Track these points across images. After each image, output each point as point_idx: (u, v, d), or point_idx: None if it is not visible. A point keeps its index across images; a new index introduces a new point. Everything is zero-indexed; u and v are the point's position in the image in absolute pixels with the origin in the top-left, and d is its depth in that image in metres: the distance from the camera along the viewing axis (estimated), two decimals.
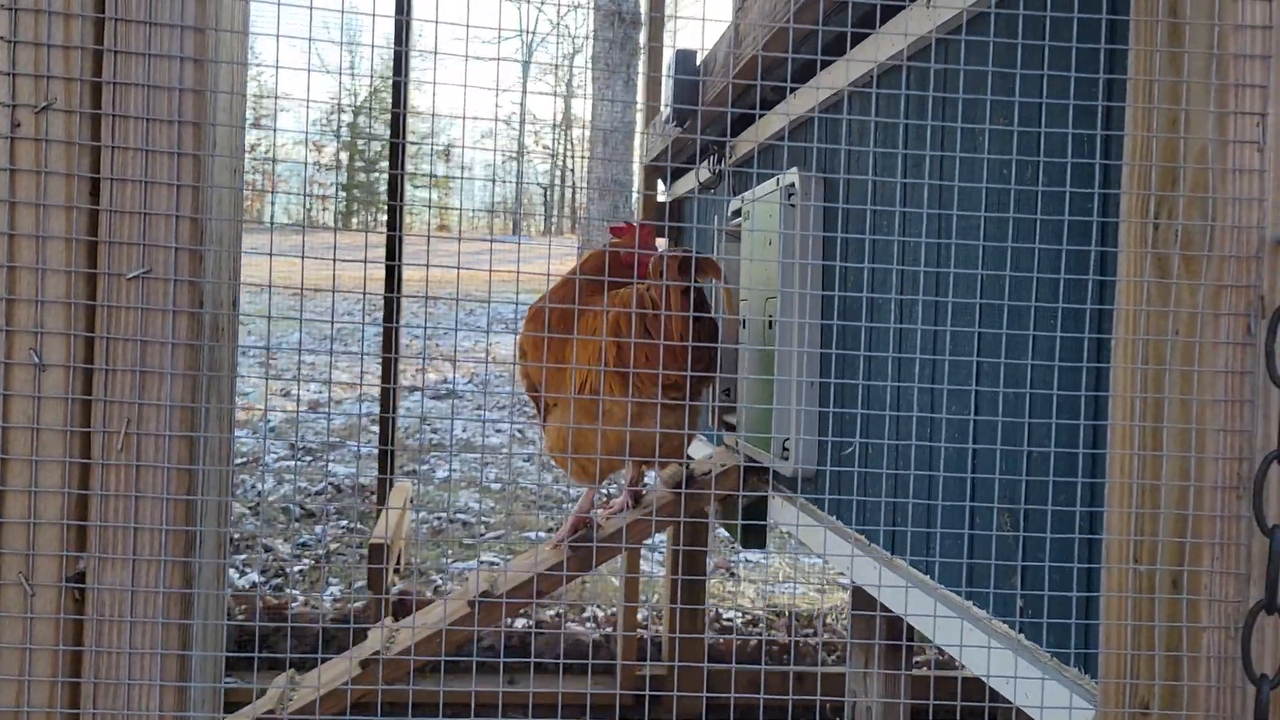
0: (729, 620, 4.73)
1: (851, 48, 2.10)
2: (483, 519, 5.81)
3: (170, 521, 0.84)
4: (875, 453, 2.12)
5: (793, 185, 2.57)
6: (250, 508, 5.65)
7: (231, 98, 0.92)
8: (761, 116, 3.06)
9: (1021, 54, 1.42)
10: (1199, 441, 0.96)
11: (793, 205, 2.60)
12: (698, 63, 3.39)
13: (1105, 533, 1.04)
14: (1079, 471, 1.29)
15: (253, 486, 5.99)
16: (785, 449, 2.58)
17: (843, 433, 2.22)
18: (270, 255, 0.92)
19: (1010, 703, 1.38)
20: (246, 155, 1.14)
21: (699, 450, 3.45)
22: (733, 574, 5.44)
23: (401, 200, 4.70)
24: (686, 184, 4.15)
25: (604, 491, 2.83)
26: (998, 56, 1.53)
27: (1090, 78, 1.23)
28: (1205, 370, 0.96)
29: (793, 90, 2.64)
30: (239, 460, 6.42)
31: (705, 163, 3.63)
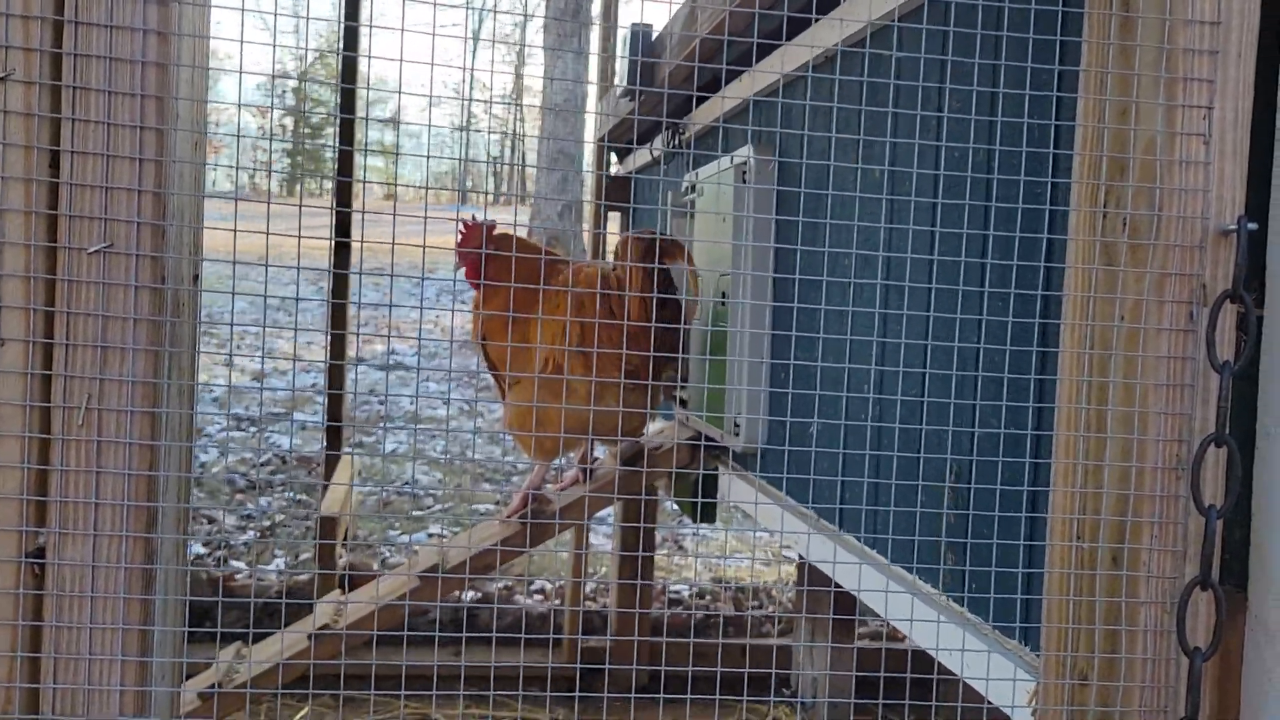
0: (676, 593, 4.78)
1: (799, 32, 2.12)
2: (430, 491, 5.79)
3: (132, 497, 0.83)
4: (828, 431, 2.16)
5: (745, 163, 2.59)
6: (195, 480, 5.57)
7: (193, 71, 0.91)
8: (706, 100, 3.07)
9: (979, 42, 1.44)
10: (1141, 424, 1.00)
11: (745, 183, 2.62)
12: (654, 38, 3.38)
13: (1049, 511, 1.08)
14: (1025, 452, 1.33)
15: (195, 458, 5.91)
16: (736, 425, 2.61)
17: (795, 411, 2.25)
18: (237, 227, 0.91)
19: (956, 675, 1.43)
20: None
21: (651, 425, 3.48)
22: (681, 547, 5.49)
23: (351, 176, 4.65)
24: (638, 160, 4.15)
25: (554, 467, 2.84)
26: (949, 44, 1.55)
27: (1045, 69, 1.26)
28: (1149, 355, 1.00)
29: (744, 72, 2.65)
30: None
31: (660, 139, 3.63)
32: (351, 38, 4.83)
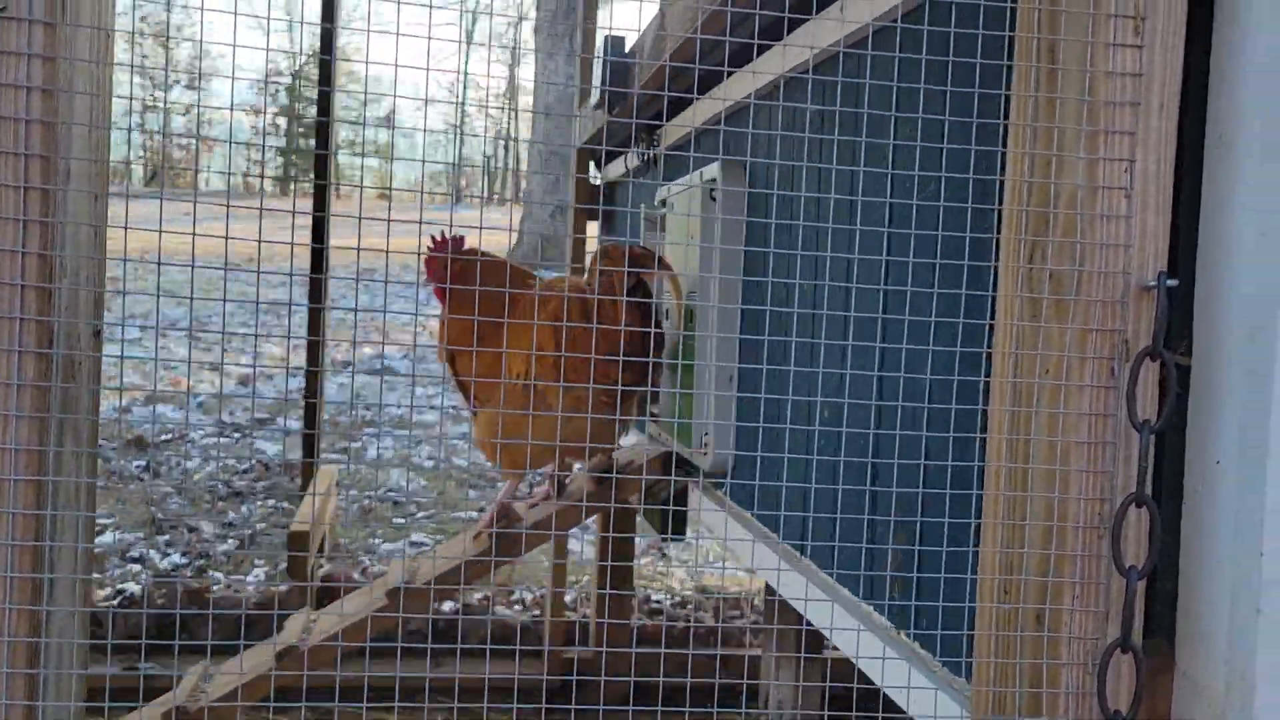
0: (658, 603, 4.76)
1: (758, 55, 2.10)
2: (414, 499, 5.77)
3: (15, 568, 0.81)
4: (791, 460, 2.14)
5: (714, 180, 2.57)
6: (175, 487, 5.55)
7: (91, 130, 0.89)
8: (669, 121, 3.05)
9: (925, 69, 1.42)
10: (1063, 482, 0.98)
11: (714, 199, 2.59)
12: (627, 49, 3.36)
13: (979, 571, 1.06)
14: (973, 484, 1.31)
15: (178, 464, 5.89)
16: (705, 443, 2.59)
17: (759, 436, 2.23)
18: (207, 231, 0.89)
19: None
20: (181, 117, 1.12)
21: (624, 438, 3.46)
22: (664, 555, 5.48)
23: (328, 179, 4.62)
24: (619, 168, 4.12)
25: (526, 480, 2.82)
26: (903, 71, 1.53)
27: (993, 93, 1.24)
28: (1071, 413, 0.98)
29: (708, 92, 2.63)
30: (165, 437, 6.30)
31: (636, 149, 3.61)
32: (328, 39, 4.81)
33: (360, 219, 1.08)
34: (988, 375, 1.24)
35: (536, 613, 4.51)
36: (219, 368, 6.76)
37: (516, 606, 4.62)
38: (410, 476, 6.10)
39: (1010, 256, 1.02)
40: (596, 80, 3.42)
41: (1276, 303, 0.94)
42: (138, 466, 5.78)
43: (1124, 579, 0.96)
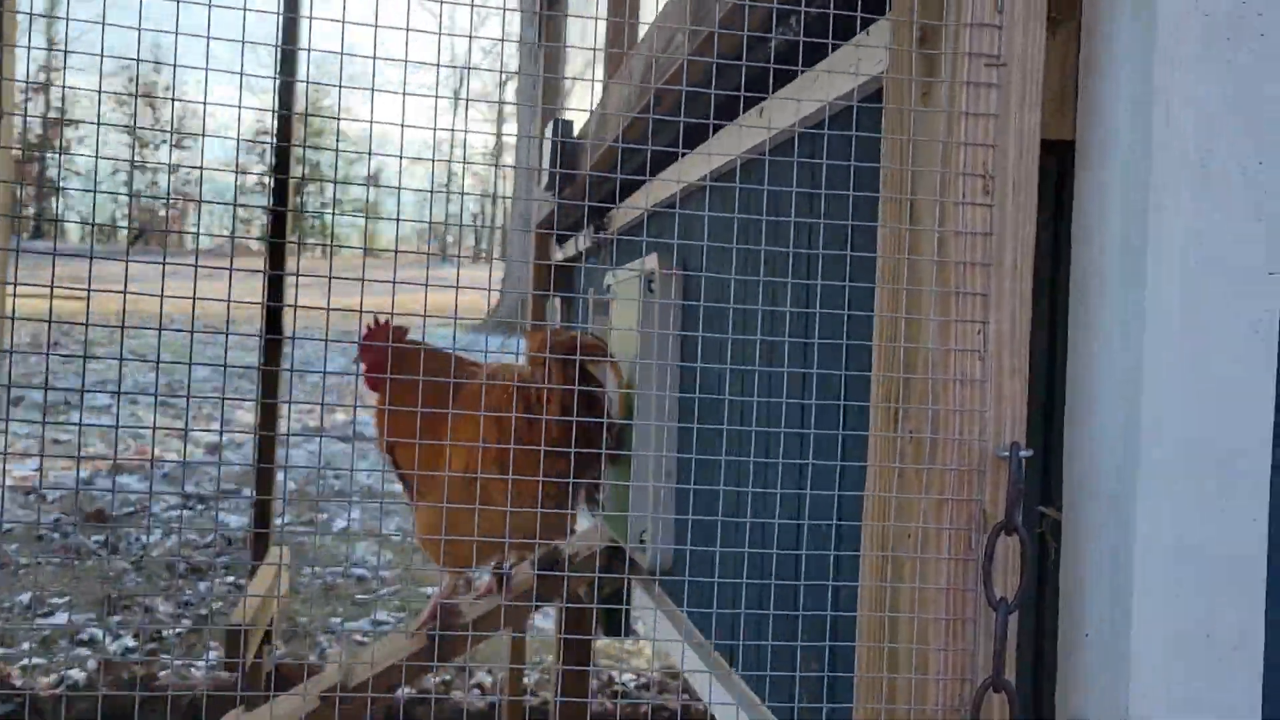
0: (622, 685, 4.65)
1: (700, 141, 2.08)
2: (379, 573, 5.67)
3: None
4: (724, 558, 2.08)
5: (652, 272, 2.54)
6: (133, 562, 5.44)
7: None
8: (618, 204, 3.03)
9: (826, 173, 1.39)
10: (921, 663, 0.93)
11: (652, 290, 2.57)
12: (575, 133, 3.35)
13: None
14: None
15: (137, 539, 5.78)
16: (642, 540, 2.54)
17: (695, 535, 2.18)
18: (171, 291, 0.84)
19: None
20: (169, 175, 1.10)
21: (572, 528, 3.39)
22: (632, 631, 5.37)
23: (284, 237, 4.59)
24: (574, 248, 4.11)
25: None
26: (810, 177, 1.50)
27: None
28: (929, 587, 0.93)
29: (649, 180, 2.61)
30: (127, 510, 6.20)
31: (587, 231, 3.59)
32: (286, 94, 4.81)
33: (330, 278, 1.04)
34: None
35: (495, 698, 4.40)
36: (187, 434, 6.68)
37: (474, 691, 4.51)
38: (378, 550, 6.00)
39: (879, 424, 0.98)
40: (546, 162, 3.41)
41: (1135, 476, 0.90)
42: (96, 542, 5.68)
43: None
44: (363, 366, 2.50)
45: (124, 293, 0.96)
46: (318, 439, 1.23)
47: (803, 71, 1.41)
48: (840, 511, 1.34)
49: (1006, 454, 0.91)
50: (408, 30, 0.97)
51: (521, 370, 2.44)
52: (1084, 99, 0.98)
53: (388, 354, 2.42)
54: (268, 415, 5.07)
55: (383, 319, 2.52)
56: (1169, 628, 0.89)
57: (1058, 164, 1.02)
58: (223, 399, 1.06)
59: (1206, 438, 0.90)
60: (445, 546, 2.40)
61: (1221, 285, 0.91)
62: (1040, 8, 0.94)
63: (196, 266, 1.00)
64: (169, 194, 1.17)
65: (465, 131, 1.14)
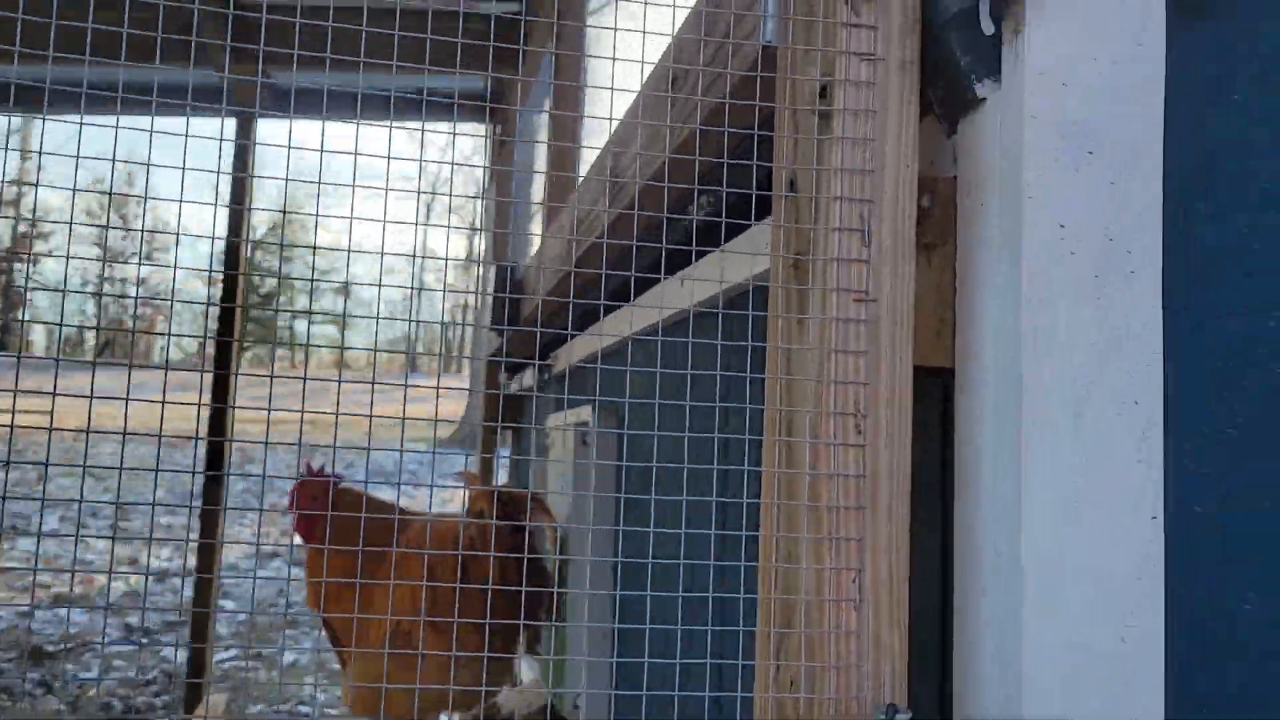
0: None
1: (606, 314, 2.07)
2: (326, 710, 5.45)
3: None
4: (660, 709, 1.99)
5: (586, 424, 2.51)
6: (70, 703, 5.21)
7: None
8: (560, 348, 3.01)
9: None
10: None
11: (585, 444, 2.53)
12: (519, 275, 3.35)
13: None
14: None
15: (74, 677, 5.55)
16: (576, 705, 2.44)
17: (631, 686, 2.09)
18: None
19: None
20: (136, 288, 1.07)
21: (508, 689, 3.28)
22: None
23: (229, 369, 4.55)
24: (524, 379, 4.08)
25: None
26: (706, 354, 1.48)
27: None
28: None
29: (582, 329, 2.59)
30: (66, 645, 5.97)
31: (533, 369, 3.57)
32: (237, 221, 4.84)
33: (306, 382, 0.98)
34: None
35: None
36: (135, 560, 6.48)
37: None
38: (324, 685, 5.78)
39: (760, 683, 0.93)
40: (493, 303, 3.41)
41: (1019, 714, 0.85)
42: (33, 681, 5.44)
43: None
44: (294, 519, 2.44)
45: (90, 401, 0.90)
46: (276, 562, 1.17)
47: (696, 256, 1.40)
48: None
49: (881, 717, 0.86)
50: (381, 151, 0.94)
51: (452, 526, 2.38)
52: (959, 331, 0.96)
53: (323, 503, 2.37)
54: (205, 553, 4.94)
55: (316, 465, 2.46)
56: None
57: (944, 386, 1.00)
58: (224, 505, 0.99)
59: (1086, 703, 0.85)
60: (371, 704, 2.31)
61: (1098, 527, 0.88)
62: (909, 241, 0.92)
63: (164, 399, 0.94)
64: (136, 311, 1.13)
65: (446, 260, 1.10)
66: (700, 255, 1.56)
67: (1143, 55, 0.91)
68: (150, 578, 6.95)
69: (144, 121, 0.92)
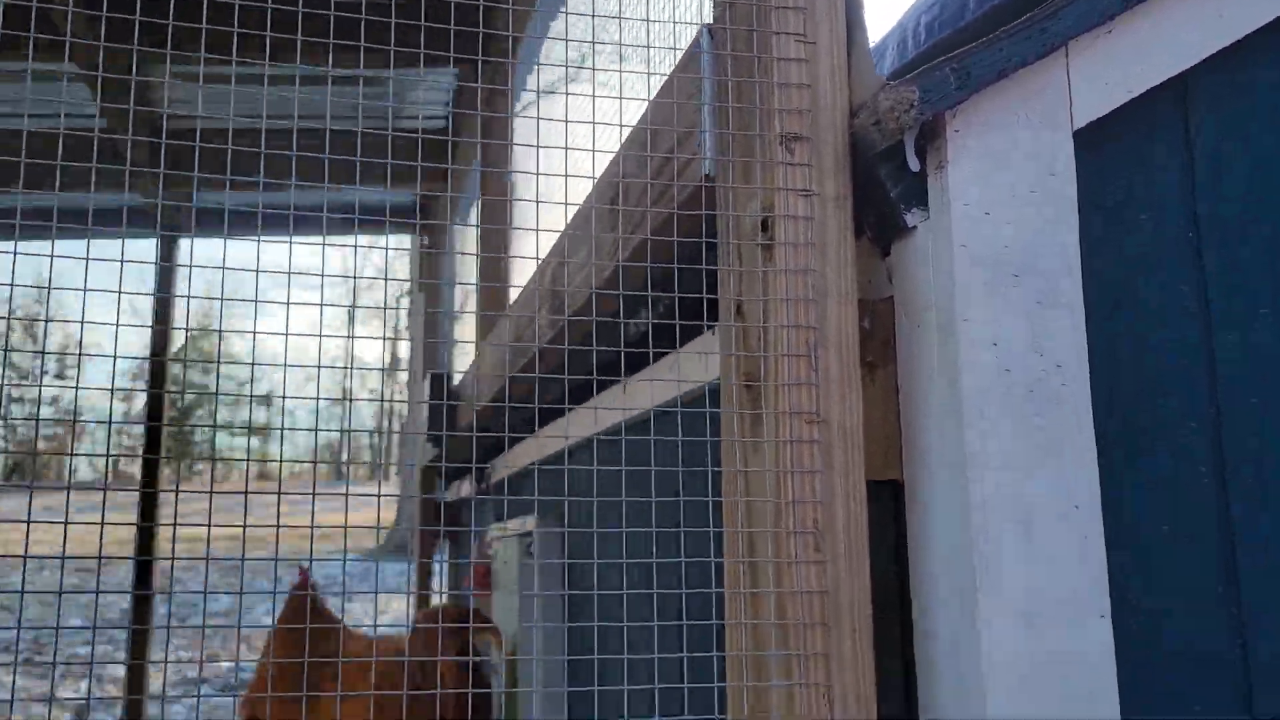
0: None
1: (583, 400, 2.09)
2: None
3: None
4: None
5: (530, 534, 2.50)
6: None
7: None
8: (498, 456, 3.01)
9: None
10: None
11: (530, 554, 2.52)
12: (454, 385, 3.36)
13: None
14: None
15: None
16: None
17: None
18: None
19: None
20: (47, 407, 1.03)
21: None
22: None
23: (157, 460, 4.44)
24: (462, 488, 4.05)
25: None
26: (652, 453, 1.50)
27: None
28: None
29: (521, 439, 2.61)
30: None
31: (470, 479, 3.55)
32: (162, 341, 4.76)
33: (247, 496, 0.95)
34: None
35: None
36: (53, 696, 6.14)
37: None
38: None
39: None
40: (425, 414, 3.40)
41: None
42: None
43: None
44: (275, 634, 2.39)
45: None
46: (195, 695, 1.14)
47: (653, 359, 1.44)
48: None
49: None
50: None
51: (398, 644, 2.35)
52: (906, 446, 1.01)
53: (302, 616, 2.34)
54: (136, 675, 4.76)
55: (305, 571, 2.44)
56: None
57: (894, 497, 1.04)
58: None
59: None
60: None
61: (1051, 632, 0.92)
62: (853, 365, 0.97)
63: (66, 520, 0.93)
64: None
65: (360, 362, 1.11)
66: (657, 357, 1.61)
67: (1055, 185, 0.99)
68: (68, 714, 6.61)
69: (59, 245, 0.93)
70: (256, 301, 0.96)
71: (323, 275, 1.04)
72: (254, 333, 0.96)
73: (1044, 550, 0.93)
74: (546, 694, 2.35)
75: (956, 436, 0.94)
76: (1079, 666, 0.92)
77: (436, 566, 4.51)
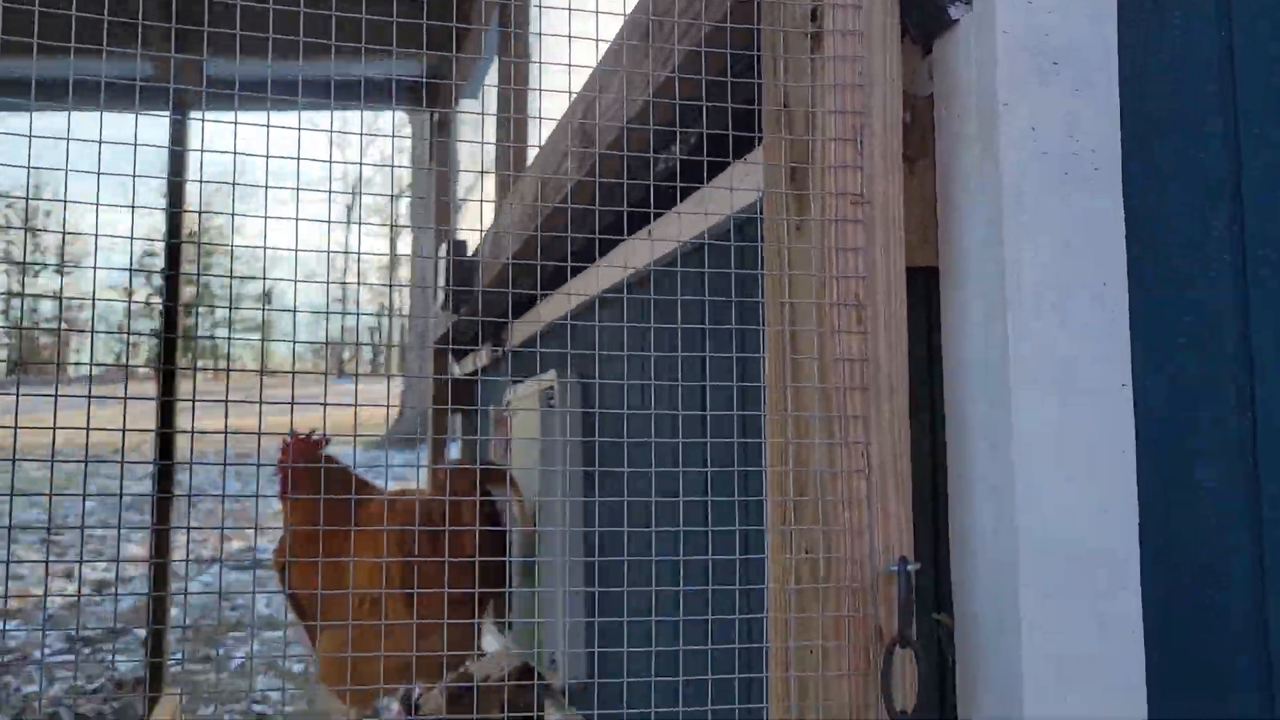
0: None
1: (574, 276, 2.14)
2: (282, 708, 5.42)
3: None
4: (639, 661, 2.06)
5: (551, 388, 2.57)
6: (14, 716, 5.10)
7: None
8: (514, 319, 3.07)
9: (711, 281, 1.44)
10: None
11: (551, 406, 2.59)
12: (469, 252, 3.40)
13: None
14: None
15: (17, 690, 5.43)
16: (553, 660, 2.50)
17: (613, 643, 2.16)
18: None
19: None
20: (50, 300, 1.07)
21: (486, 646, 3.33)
22: None
23: (174, 362, 4.51)
24: (472, 363, 4.12)
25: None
26: (707, 285, 1.56)
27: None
28: (833, 703, 0.95)
29: (544, 296, 2.66)
30: (6, 657, 5.82)
31: (485, 347, 3.61)
32: (175, 225, 4.78)
33: (227, 401, 1.01)
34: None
35: None
36: (72, 571, 6.34)
37: None
38: (275, 685, 5.74)
39: (775, 547, 1.01)
40: (441, 281, 3.44)
41: (1014, 585, 0.95)
42: None
43: None
44: (280, 486, 2.46)
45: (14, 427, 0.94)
46: (213, 569, 1.21)
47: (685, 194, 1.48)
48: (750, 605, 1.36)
49: (895, 569, 0.95)
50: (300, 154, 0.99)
51: (422, 494, 2.44)
52: (943, 231, 1.06)
53: (304, 473, 2.40)
54: (161, 547, 4.90)
55: (301, 434, 2.50)
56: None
57: (925, 285, 1.10)
58: (119, 529, 1.03)
59: (1077, 543, 0.95)
60: (350, 677, 2.34)
61: (1080, 402, 0.98)
62: (897, 151, 1.02)
63: (89, 397, 0.98)
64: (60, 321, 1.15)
65: (359, 252, 1.15)
66: (685, 194, 1.64)
67: None
68: (88, 588, 6.81)
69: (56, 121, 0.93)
70: (266, 186, 0.97)
71: (330, 158, 1.06)
72: (264, 217, 0.98)
73: (1075, 322, 0.99)
74: (568, 533, 2.44)
75: (994, 216, 0.99)
76: (1104, 431, 0.98)
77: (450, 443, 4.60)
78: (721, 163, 1.33)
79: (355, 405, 1.13)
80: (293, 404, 1.01)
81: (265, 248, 1.03)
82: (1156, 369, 1.02)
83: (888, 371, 0.99)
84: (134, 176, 0.96)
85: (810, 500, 0.97)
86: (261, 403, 1.03)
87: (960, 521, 1.03)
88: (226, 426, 1.01)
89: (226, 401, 1.00)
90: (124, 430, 0.96)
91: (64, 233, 1.03)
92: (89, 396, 0.95)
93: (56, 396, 0.95)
